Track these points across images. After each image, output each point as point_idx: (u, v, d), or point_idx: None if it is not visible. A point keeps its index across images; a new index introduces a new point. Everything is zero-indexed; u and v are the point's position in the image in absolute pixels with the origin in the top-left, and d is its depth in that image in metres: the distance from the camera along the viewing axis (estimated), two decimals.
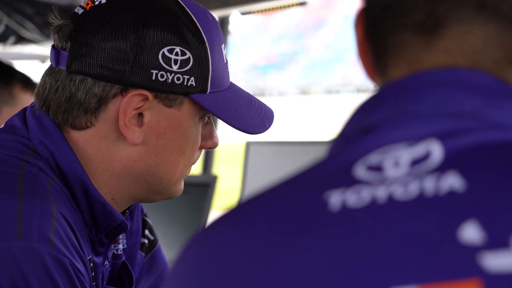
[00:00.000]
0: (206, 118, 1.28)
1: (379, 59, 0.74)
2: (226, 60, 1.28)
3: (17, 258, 1.10)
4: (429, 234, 0.60)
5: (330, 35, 48.37)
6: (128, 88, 1.20)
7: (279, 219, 0.66)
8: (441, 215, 0.61)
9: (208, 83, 1.23)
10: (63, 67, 1.22)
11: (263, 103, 1.33)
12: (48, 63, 1.27)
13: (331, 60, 46.28)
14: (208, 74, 1.23)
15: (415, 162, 0.65)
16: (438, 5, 0.70)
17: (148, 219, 1.46)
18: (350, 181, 0.65)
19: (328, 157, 0.70)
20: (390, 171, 0.65)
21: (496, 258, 0.58)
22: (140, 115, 1.22)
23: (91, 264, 1.23)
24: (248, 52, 49.49)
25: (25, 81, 2.47)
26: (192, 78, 1.22)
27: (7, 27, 3.95)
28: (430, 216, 0.61)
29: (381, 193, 0.63)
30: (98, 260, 1.27)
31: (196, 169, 3.43)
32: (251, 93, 1.34)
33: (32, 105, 1.26)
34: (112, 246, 1.34)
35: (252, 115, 1.29)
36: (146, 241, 1.45)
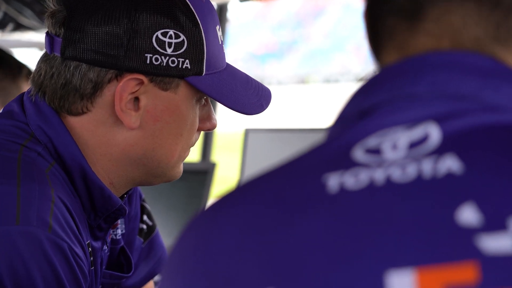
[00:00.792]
0: (203, 100, 1.28)
1: (374, 44, 0.75)
2: (222, 41, 1.28)
3: (16, 242, 1.10)
4: (427, 216, 0.60)
5: (330, 24, 48.31)
6: (123, 72, 1.20)
7: (277, 201, 0.66)
8: (439, 197, 0.61)
9: (203, 65, 1.23)
10: (57, 54, 1.22)
11: (261, 83, 1.33)
12: None
13: (330, 49, 46.23)
14: (203, 56, 1.23)
15: (413, 145, 0.65)
16: None
17: (146, 205, 1.46)
18: (348, 164, 0.65)
19: (326, 141, 0.70)
20: (388, 153, 0.65)
21: (494, 240, 0.58)
22: (136, 99, 1.22)
23: (90, 249, 1.23)
24: (247, 41, 49.41)
25: None
26: (187, 61, 1.22)
27: (5, 14, 3.95)
28: (427, 199, 0.61)
29: (379, 175, 0.63)
30: (97, 245, 1.27)
31: (194, 156, 3.43)
32: None
33: (28, 91, 1.26)
34: (111, 231, 1.35)
35: (248, 96, 1.28)
36: (144, 226, 1.45)
